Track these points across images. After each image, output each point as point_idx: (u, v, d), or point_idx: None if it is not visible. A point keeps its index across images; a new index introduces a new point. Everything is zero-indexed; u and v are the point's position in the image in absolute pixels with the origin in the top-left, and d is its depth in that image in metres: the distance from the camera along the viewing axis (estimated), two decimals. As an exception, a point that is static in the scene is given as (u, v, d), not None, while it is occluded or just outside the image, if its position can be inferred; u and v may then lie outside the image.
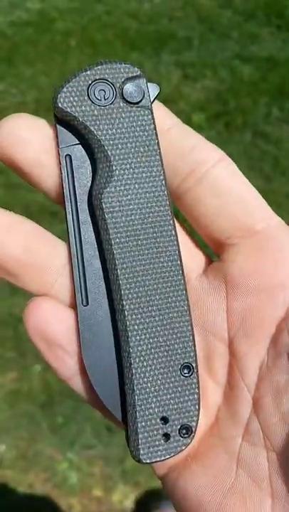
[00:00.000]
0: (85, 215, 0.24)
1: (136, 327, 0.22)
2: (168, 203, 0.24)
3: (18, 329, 1.51)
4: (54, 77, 1.95)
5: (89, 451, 1.38)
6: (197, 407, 0.23)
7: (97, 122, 0.23)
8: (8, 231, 0.24)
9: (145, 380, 0.22)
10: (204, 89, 1.86)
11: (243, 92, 1.83)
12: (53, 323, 0.24)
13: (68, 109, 0.24)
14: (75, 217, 0.23)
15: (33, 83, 1.94)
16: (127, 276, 0.22)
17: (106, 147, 0.23)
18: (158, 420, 0.22)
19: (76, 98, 0.23)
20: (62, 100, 0.24)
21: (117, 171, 0.23)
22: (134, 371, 0.22)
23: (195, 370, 0.23)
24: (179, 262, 0.24)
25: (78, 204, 0.23)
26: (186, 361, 0.23)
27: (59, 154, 0.24)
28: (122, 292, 0.22)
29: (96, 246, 0.23)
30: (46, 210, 1.65)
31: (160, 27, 2.05)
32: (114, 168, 0.23)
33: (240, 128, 1.77)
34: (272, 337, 0.25)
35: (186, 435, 0.23)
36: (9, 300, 1.55)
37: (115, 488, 1.35)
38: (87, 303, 0.23)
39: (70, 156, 0.24)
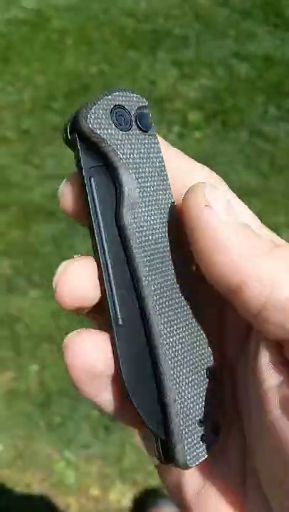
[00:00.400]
0: (111, 237, 0.24)
1: (170, 340, 0.23)
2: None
3: (15, 329, 1.51)
4: (50, 76, 1.94)
5: (86, 450, 1.39)
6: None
7: (122, 146, 0.24)
8: (84, 277, 0.24)
9: (183, 388, 0.23)
10: (201, 87, 1.86)
11: (240, 90, 1.83)
12: (95, 357, 0.24)
13: (98, 131, 0.23)
14: (103, 240, 0.24)
15: (30, 82, 1.94)
16: (157, 292, 0.23)
17: (131, 171, 0.24)
18: (196, 424, 0.24)
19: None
20: (91, 121, 0.23)
21: (142, 193, 0.24)
22: (174, 382, 0.23)
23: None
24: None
25: (103, 225, 0.24)
26: (210, 364, 0.24)
27: (83, 176, 0.24)
28: (154, 309, 0.23)
29: (125, 265, 0.24)
30: (43, 210, 1.65)
31: (157, 25, 2.05)
32: (139, 190, 0.24)
33: (237, 126, 1.77)
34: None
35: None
36: (5, 300, 1.55)
37: (113, 486, 1.35)
38: (123, 322, 0.24)
39: (92, 177, 0.24)
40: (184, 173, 0.26)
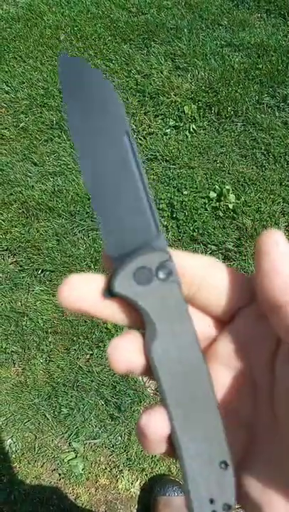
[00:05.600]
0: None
1: (185, 436, 0.29)
2: (200, 348, 0.30)
3: (20, 324, 1.52)
4: (45, 73, 1.95)
5: (94, 441, 1.41)
6: (234, 489, 0.30)
7: (144, 298, 0.29)
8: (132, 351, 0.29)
9: (195, 472, 0.30)
10: (195, 79, 1.87)
11: (234, 80, 1.84)
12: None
13: (124, 293, 0.29)
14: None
15: (25, 79, 1.94)
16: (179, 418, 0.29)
17: (155, 317, 0.29)
18: (207, 501, 0.30)
19: (127, 283, 0.29)
20: (117, 287, 0.29)
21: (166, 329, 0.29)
22: (187, 468, 0.29)
23: (230, 464, 0.30)
24: (213, 395, 0.30)
25: None
26: (223, 459, 0.30)
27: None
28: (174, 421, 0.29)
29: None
30: (43, 206, 1.66)
31: (149, 17, 2.05)
32: (163, 328, 0.29)
33: (232, 117, 1.78)
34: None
35: (227, 509, 0.30)
36: (10, 295, 1.57)
37: (121, 475, 1.37)
38: None
39: None
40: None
